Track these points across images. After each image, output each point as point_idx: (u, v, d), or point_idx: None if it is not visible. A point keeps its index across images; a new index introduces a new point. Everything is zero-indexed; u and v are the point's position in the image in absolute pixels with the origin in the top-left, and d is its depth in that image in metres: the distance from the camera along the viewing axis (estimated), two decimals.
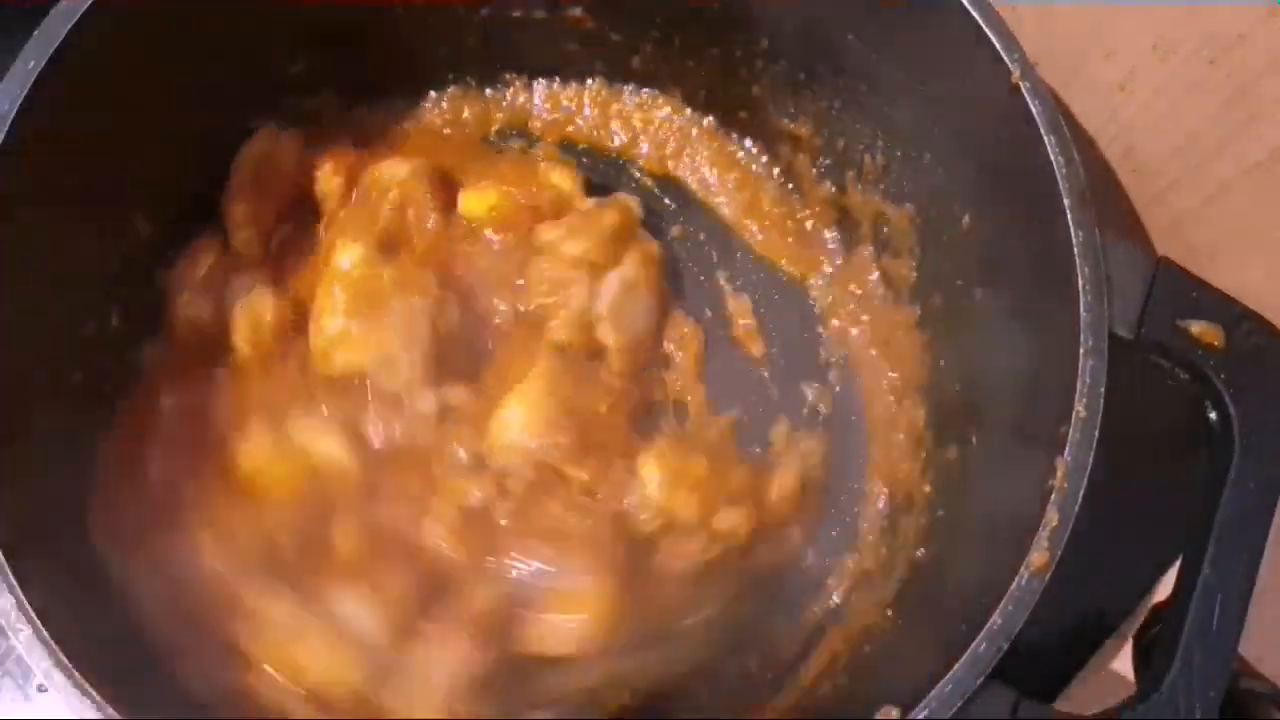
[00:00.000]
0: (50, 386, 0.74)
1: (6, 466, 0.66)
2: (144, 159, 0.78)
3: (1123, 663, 0.91)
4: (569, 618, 0.74)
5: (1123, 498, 0.88)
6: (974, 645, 0.64)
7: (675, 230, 0.97)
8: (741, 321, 0.95)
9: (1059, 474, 0.66)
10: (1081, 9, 0.81)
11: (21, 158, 0.67)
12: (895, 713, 0.65)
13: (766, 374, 0.94)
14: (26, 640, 0.61)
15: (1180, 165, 0.86)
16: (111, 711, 0.60)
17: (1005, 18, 0.71)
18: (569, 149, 0.98)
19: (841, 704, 0.76)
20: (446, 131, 0.97)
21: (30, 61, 0.68)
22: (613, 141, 0.99)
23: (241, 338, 0.81)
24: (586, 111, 0.98)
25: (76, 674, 0.60)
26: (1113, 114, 0.87)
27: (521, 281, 0.86)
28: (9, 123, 0.66)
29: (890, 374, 0.93)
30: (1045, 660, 0.63)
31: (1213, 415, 0.71)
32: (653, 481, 0.80)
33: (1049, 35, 0.83)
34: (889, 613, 0.81)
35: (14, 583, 0.61)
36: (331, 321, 0.79)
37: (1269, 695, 0.77)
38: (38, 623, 0.61)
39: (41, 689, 0.63)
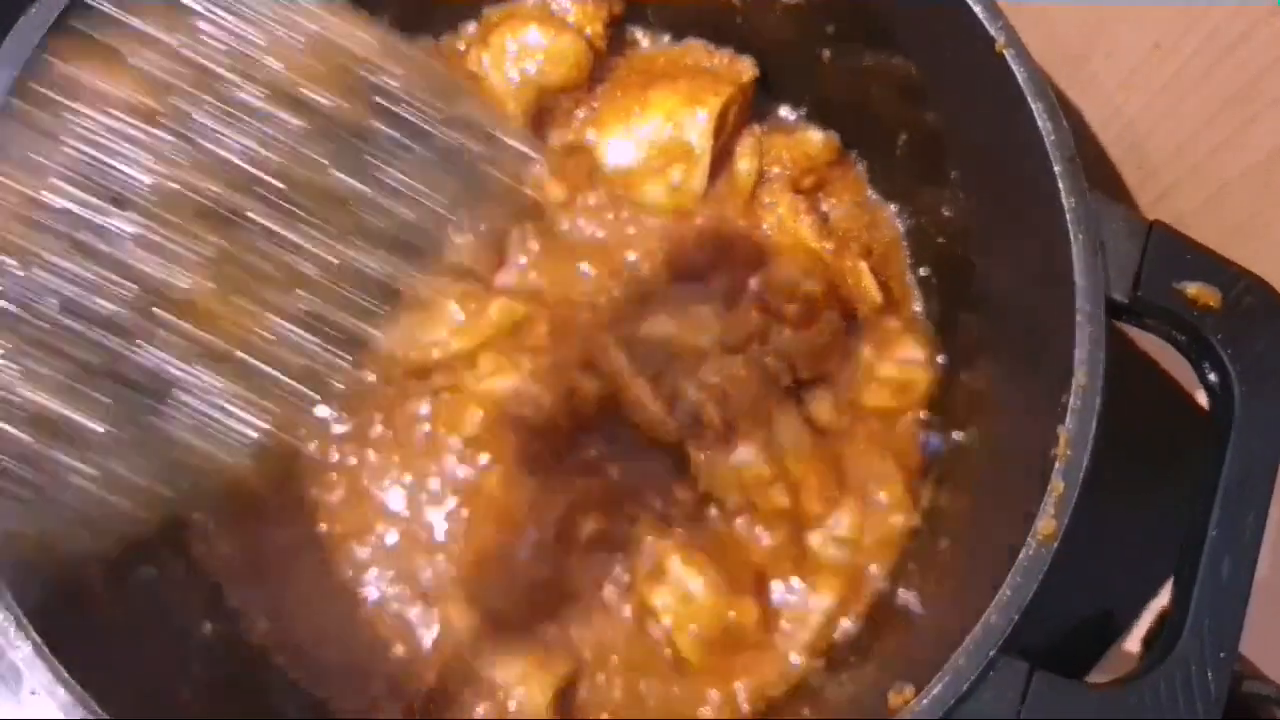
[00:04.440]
0: None
1: None
2: None
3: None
4: None
5: (1126, 502, 0.88)
6: (985, 618, 0.64)
7: None
8: None
9: (1061, 442, 0.66)
10: (1081, 9, 0.81)
11: None
12: (909, 690, 0.65)
13: None
14: (26, 657, 0.60)
15: (1181, 165, 0.86)
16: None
17: (1008, 17, 0.70)
18: None
19: (856, 684, 0.76)
20: None
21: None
22: None
23: None
24: None
25: (78, 687, 0.60)
26: (1114, 114, 0.87)
27: None
28: None
29: None
30: (1051, 666, 0.64)
31: (1212, 376, 0.71)
32: None
33: (1049, 35, 0.82)
34: (903, 590, 0.81)
35: (10, 599, 0.60)
36: None
37: (1273, 697, 0.77)
38: (38, 638, 0.60)
39: (33, 693, 0.62)
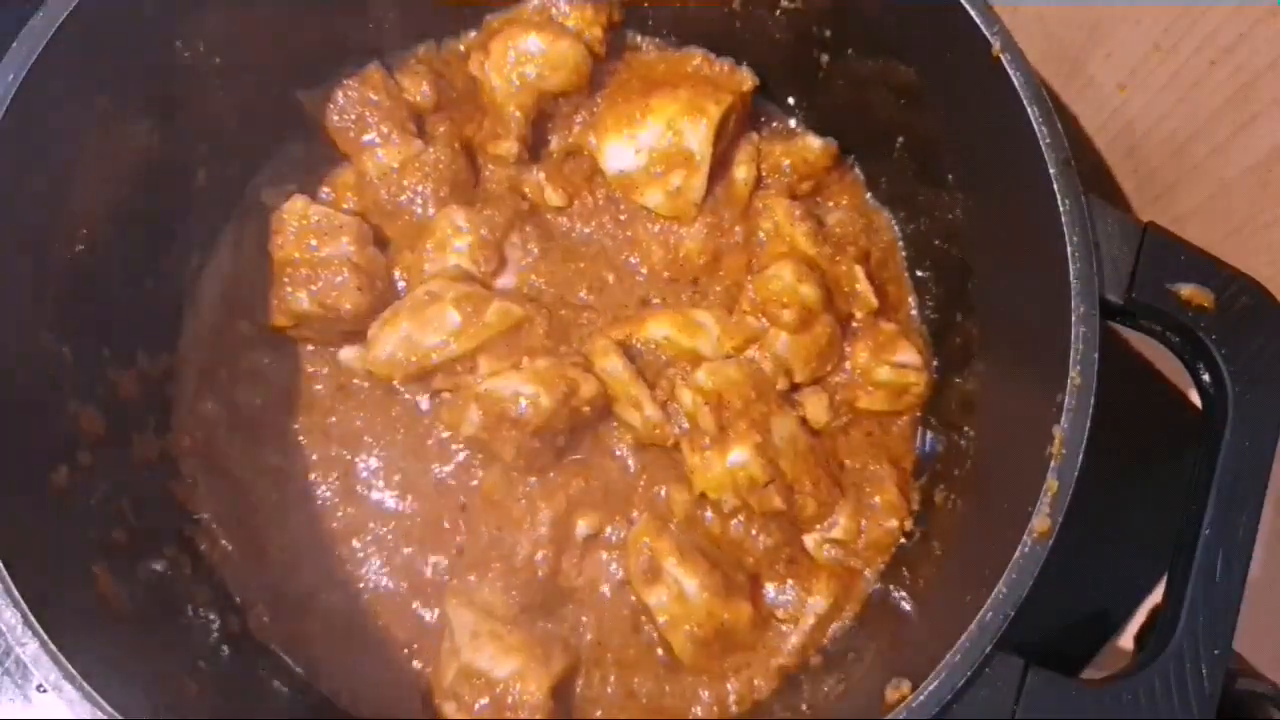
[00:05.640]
0: None
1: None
2: None
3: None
4: None
5: (1121, 501, 0.89)
6: (980, 614, 0.64)
7: None
8: None
9: (1056, 441, 0.67)
10: (1081, 9, 0.81)
11: None
12: (905, 685, 0.65)
13: None
14: (33, 654, 0.60)
15: (1181, 165, 0.86)
16: (118, 714, 0.60)
17: (1005, 18, 0.71)
18: None
19: (852, 682, 0.77)
20: None
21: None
22: None
23: None
24: None
25: (86, 685, 0.60)
26: (1113, 114, 0.87)
27: None
28: None
29: None
30: (1046, 663, 0.65)
31: (1206, 377, 0.71)
32: None
33: (1049, 35, 0.83)
34: (896, 591, 0.82)
35: (19, 597, 0.61)
36: None
37: (1269, 695, 0.78)
38: (44, 636, 0.61)
39: (41, 689, 0.63)
